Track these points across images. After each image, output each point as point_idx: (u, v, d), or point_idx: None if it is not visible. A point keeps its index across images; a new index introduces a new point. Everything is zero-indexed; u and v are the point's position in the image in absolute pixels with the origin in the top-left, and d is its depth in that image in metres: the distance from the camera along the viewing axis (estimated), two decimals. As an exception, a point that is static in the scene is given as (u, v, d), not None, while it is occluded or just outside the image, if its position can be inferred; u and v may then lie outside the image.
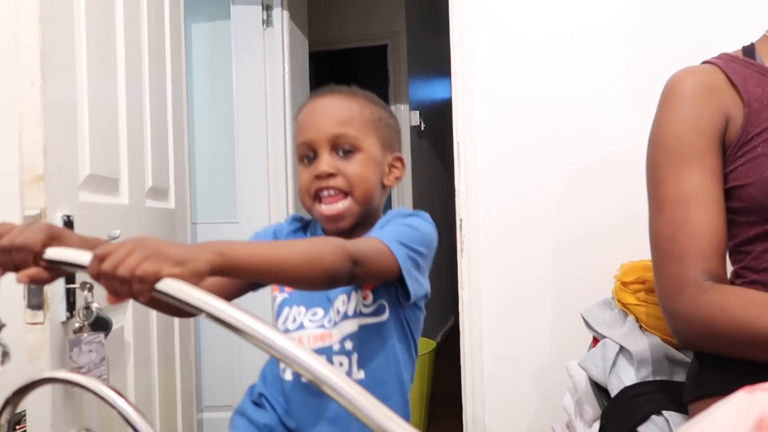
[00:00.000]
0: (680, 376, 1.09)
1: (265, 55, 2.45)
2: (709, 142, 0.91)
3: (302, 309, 0.98)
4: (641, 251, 1.06)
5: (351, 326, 0.95)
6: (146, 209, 1.53)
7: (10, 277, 0.66)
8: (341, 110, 0.99)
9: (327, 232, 1.02)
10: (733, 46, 1.02)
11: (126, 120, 1.43)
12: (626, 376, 1.12)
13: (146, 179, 1.54)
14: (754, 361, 0.83)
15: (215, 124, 2.55)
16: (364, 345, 0.95)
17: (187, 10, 1.90)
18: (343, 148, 0.97)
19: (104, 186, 1.34)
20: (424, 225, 0.96)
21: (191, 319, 1.78)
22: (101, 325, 1.16)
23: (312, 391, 0.93)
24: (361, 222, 0.99)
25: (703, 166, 0.90)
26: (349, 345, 0.94)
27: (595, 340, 1.27)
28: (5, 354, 0.69)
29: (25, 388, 0.62)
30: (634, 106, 1.58)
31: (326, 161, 0.96)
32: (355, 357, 0.94)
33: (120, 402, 0.61)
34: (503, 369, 1.66)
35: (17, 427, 1.05)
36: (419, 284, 0.92)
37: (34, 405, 1.08)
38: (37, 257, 0.65)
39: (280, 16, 2.49)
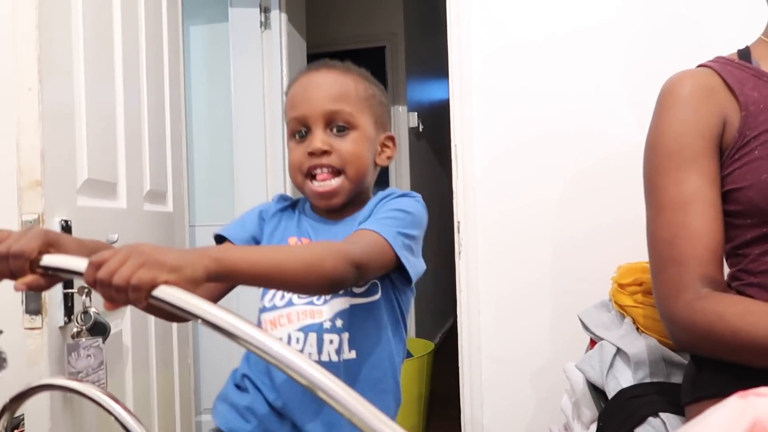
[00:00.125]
0: (677, 378, 1.09)
1: (263, 58, 2.45)
2: (706, 145, 0.91)
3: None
4: (639, 253, 1.06)
5: (342, 304, 0.94)
6: (144, 213, 1.53)
7: (8, 282, 0.67)
8: (336, 86, 0.97)
9: (317, 210, 1.01)
10: (732, 48, 1.02)
11: (124, 123, 1.43)
12: (623, 378, 1.12)
13: (144, 183, 1.54)
14: (750, 366, 0.83)
15: (213, 127, 2.55)
16: (356, 324, 0.94)
17: (185, 12, 1.90)
18: (338, 125, 0.96)
19: (102, 190, 1.34)
20: (416, 206, 0.95)
21: (189, 322, 1.79)
22: (99, 329, 1.17)
23: None
24: (352, 200, 0.99)
25: (701, 169, 0.91)
26: (339, 323, 0.93)
27: (593, 342, 1.27)
28: (3, 360, 0.69)
29: (22, 394, 0.63)
30: (632, 107, 1.58)
31: (320, 138, 0.95)
32: (346, 336, 0.93)
33: (117, 408, 0.61)
34: (501, 370, 1.66)
35: (15, 431, 1.06)
36: (416, 267, 0.92)
37: (33, 409, 1.08)
38: (33, 264, 0.65)
39: (278, 19, 2.49)
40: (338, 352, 0.93)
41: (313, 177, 0.96)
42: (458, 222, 1.67)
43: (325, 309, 0.94)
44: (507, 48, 1.66)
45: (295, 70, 2.58)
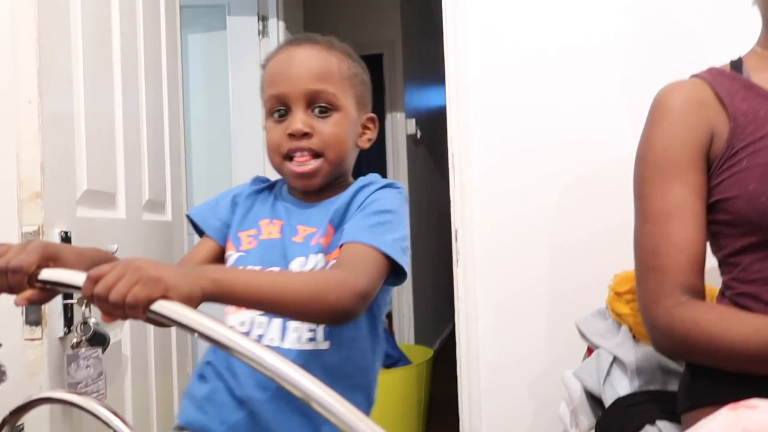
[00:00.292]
0: (673, 386, 1.10)
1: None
2: (693, 157, 0.94)
3: (257, 269, 0.92)
4: (635, 261, 1.07)
5: None
6: (143, 222, 1.54)
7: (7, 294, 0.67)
8: (319, 63, 0.92)
9: (294, 191, 0.98)
10: (729, 59, 1.03)
11: (123, 133, 1.43)
12: (620, 386, 1.13)
13: (143, 192, 1.55)
14: (727, 371, 0.87)
15: (212, 135, 2.56)
16: None
17: (183, 21, 1.91)
18: (320, 105, 0.91)
19: (101, 200, 1.35)
20: (400, 200, 0.93)
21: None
22: (99, 339, 1.17)
23: None
24: (331, 183, 0.96)
25: (686, 181, 0.93)
26: None
27: (590, 350, 1.28)
28: (2, 373, 0.70)
29: (22, 408, 0.63)
30: (628, 116, 1.59)
31: (301, 119, 0.90)
32: (320, 326, 0.89)
33: (115, 421, 0.62)
34: (499, 378, 1.66)
35: (15, 441, 1.06)
36: (408, 266, 0.89)
37: (33, 419, 1.09)
38: (32, 279, 0.65)
39: (276, 27, 2.51)
40: (299, 340, 0.88)
41: (291, 158, 0.92)
42: (456, 230, 1.68)
43: None
44: (504, 56, 1.67)
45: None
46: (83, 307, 1.15)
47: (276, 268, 0.91)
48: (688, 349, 0.89)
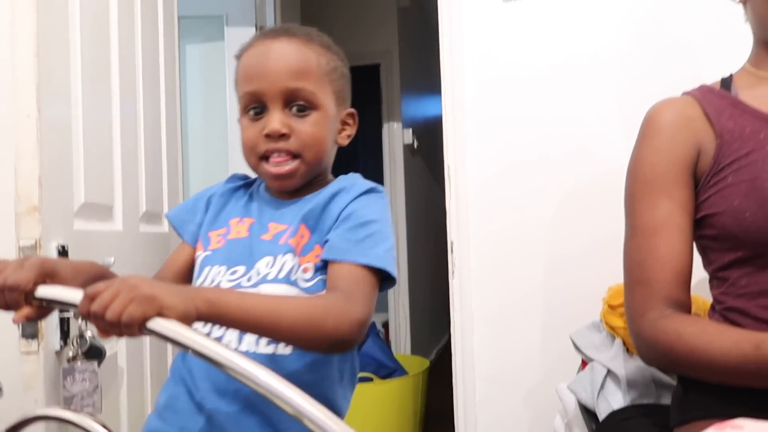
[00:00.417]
0: (667, 399, 1.10)
1: (259, 77, 2.47)
2: (680, 173, 0.96)
3: (223, 268, 0.88)
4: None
5: (282, 292, 0.84)
6: (140, 234, 1.54)
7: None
8: (297, 59, 0.88)
9: (271, 190, 0.96)
10: (723, 75, 1.05)
11: (120, 145, 1.44)
12: (614, 400, 1.13)
13: (140, 204, 1.56)
14: (710, 382, 0.89)
15: (210, 146, 2.57)
16: None
17: (181, 31, 1.91)
18: (298, 104, 0.87)
19: (98, 213, 1.36)
20: (383, 207, 0.89)
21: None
22: (95, 353, 1.17)
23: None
24: (309, 183, 0.93)
25: (673, 196, 0.96)
26: None
27: (584, 363, 1.28)
28: (-1, 390, 0.71)
29: (17, 426, 0.64)
30: (623, 130, 1.60)
31: (278, 119, 0.86)
32: None
33: (110, 438, 0.62)
34: (495, 389, 1.67)
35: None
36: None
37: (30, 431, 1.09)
38: (29, 296, 0.66)
39: (274, 38, 2.52)
40: (257, 342, 0.84)
41: (267, 159, 0.89)
42: (451, 242, 1.69)
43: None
44: (499, 73, 1.68)
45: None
46: (79, 320, 1.16)
47: (241, 267, 0.87)
48: (672, 361, 0.92)
